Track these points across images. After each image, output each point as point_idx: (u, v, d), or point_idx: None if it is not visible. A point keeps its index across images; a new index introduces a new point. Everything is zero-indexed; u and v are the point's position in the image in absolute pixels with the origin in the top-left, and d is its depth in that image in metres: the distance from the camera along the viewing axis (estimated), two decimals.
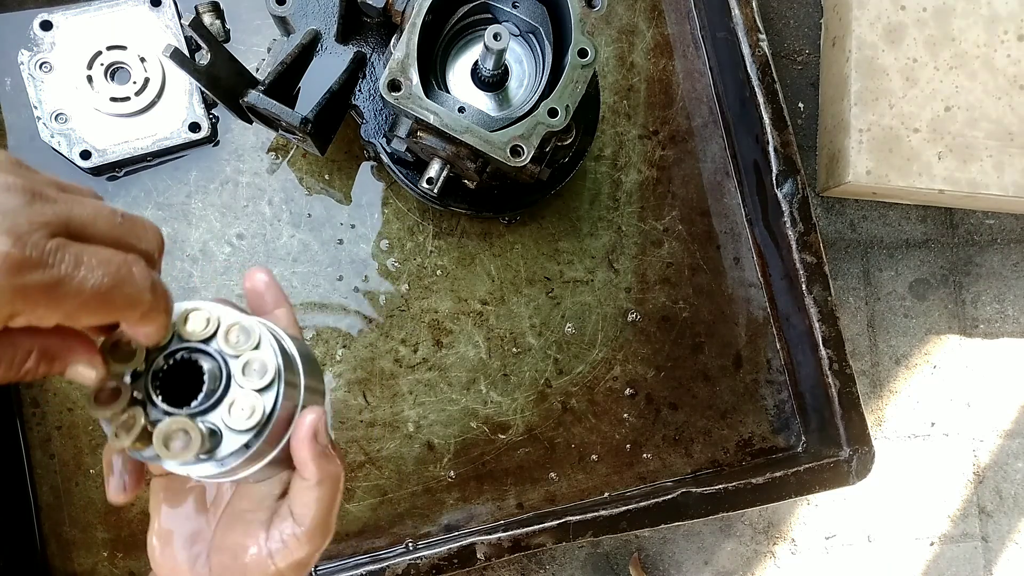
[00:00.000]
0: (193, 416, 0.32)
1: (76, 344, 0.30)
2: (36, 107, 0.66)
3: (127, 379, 0.31)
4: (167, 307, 0.30)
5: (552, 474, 0.72)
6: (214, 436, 0.31)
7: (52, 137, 0.66)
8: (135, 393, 0.31)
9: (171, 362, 0.32)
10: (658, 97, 0.77)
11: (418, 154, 0.63)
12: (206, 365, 0.32)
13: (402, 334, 0.72)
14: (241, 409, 0.32)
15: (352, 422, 0.70)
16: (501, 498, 0.71)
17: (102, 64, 0.67)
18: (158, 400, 0.32)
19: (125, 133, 0.68)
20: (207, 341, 0.33)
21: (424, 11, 0.55)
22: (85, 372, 0.30)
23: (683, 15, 0.78)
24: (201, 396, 0.32)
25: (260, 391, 0.32)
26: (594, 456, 0.73)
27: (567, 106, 0.56)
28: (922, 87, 0.74)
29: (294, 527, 0.34)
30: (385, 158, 0.66)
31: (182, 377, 0.32)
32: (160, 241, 0.31)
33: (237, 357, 0.32)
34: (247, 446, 0.32)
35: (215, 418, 0.32)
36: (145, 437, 0.31)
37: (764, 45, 0.71)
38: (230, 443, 0.32)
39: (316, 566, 0.67)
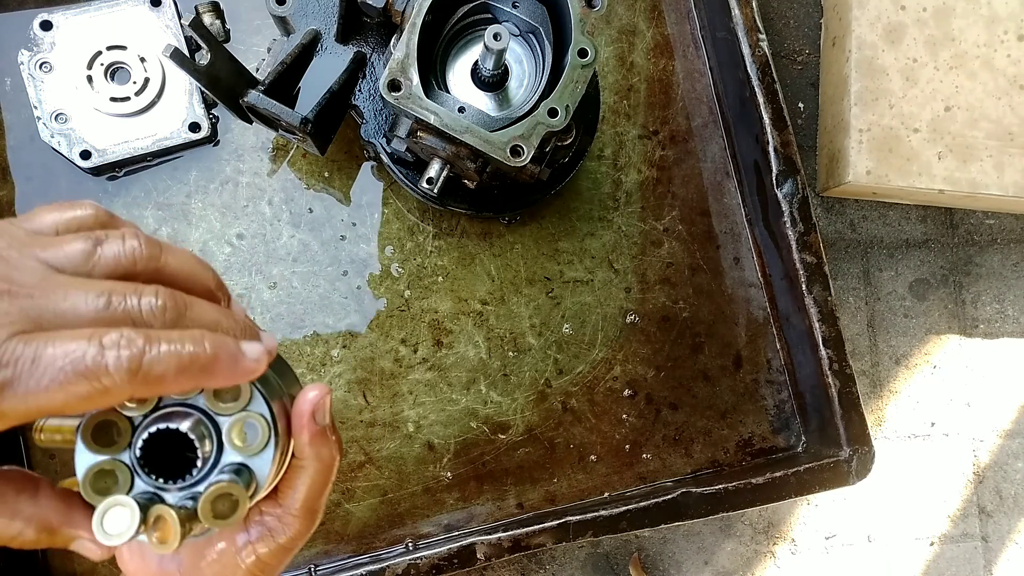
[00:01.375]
0: (194, 485, 0.29)
1: (80, 518, 0.28)
2: (36, 107, 0.66)
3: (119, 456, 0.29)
4: (153, 386, 0.25)
5: (552, 474, 0.72)
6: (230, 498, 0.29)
7: (52, 137, 0.66)
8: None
9: (147, 435, 0.29)
10: (658, 97, 0.77)
11: (418, 154, 0.63)
12: (186, 427, 0.29)
13: (402, 334, 0.72)
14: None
15: (352, 422, 0.70)
16: (501, 498, 0.71)
17: (102, 64, 0.67)
18: (146, 476, 0.28)
19: (125, 133, 0.68)
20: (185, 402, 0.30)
21: (424, 11, 0.55)
22: (91, 548, 0.29)
23: (683, 15, 0.78)
24: (199, 466, 0.29)
25: (256, 452, 0.30)
26: (594, 456, 0.73)
27: (567, 106, 0.56)
28: (922, 87, 0.74)
29: (279, 509, 0.32)
30: (385, 158, 0.66)
31: (160, 445, 0.29)
32: (168, 304, 0.26)
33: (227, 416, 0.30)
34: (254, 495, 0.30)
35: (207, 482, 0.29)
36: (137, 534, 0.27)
37: (764, 45, 0.71)
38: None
39: (316, 565, 0.67)
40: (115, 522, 0.27)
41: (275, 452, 0.30)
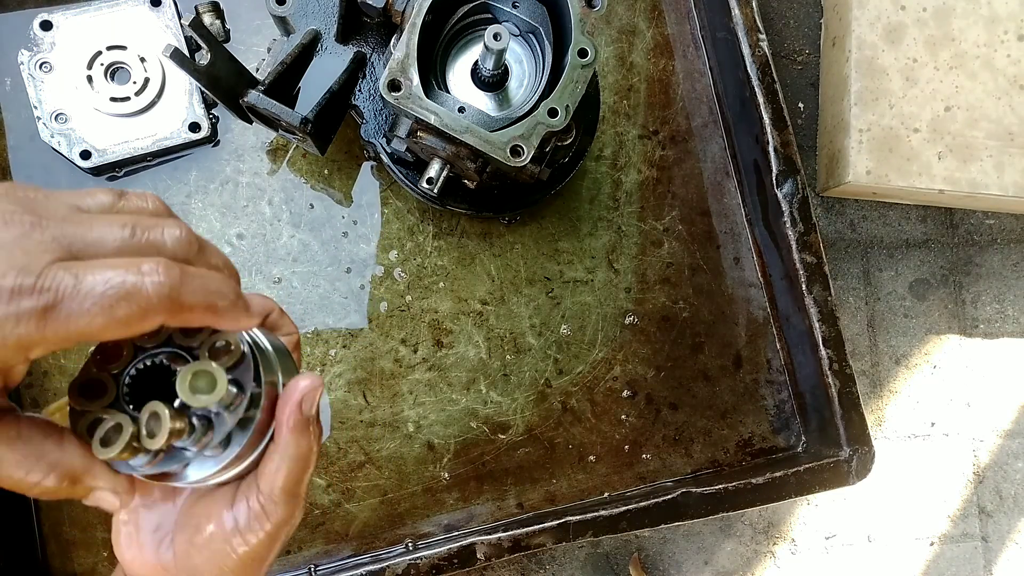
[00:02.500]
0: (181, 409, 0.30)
1: (100, 469, 0.30)
2: (36, 107, 0.66)
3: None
4: (215, 303, 0.28)
5: (552, 474, 0.72)
6: (208, 423, 0.30)
7: (52, 137, 0.66)
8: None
9: (137, 369, 0.31)
10: (658, 97, 0.77)
11: (418, 154, 0.63)
12: (166, 360, 0.31)
13: (402, 334, 0.72)
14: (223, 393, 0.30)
15: (352, 422, 0.70)
16: (501, 498, 0.71)
17: (102, 64, 0.67)
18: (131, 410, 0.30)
19: (125, 133, 0.68)
20: (167, 343, 0.31)
21: (424, 11, 0.55)
22: (109, 499, 0.30)
23: (683, 15, 0.78)
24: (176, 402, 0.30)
25: (234, 371, 0.31)
26: (594, 456, 0.73)
27: (567, 106, 0.56)
28: (922, 87, 0.74)
29: (260, 496, 0.33)
30: (385, 158, 0.66)
31: (153, 382, 0.31)
32: (187, 239, 0.29)
33: (200, 346, 0.31)
34: (244, 424, 0.31)
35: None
36: (130, 448, 0.29)
37: (764, 45, 0.71)
38: (223, 427, 0.31)
39: (316, 565, 0.67)
40: (110, 435, 0.29)
41: (248, 414, 0.31)
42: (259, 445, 0.33)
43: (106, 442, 0.29)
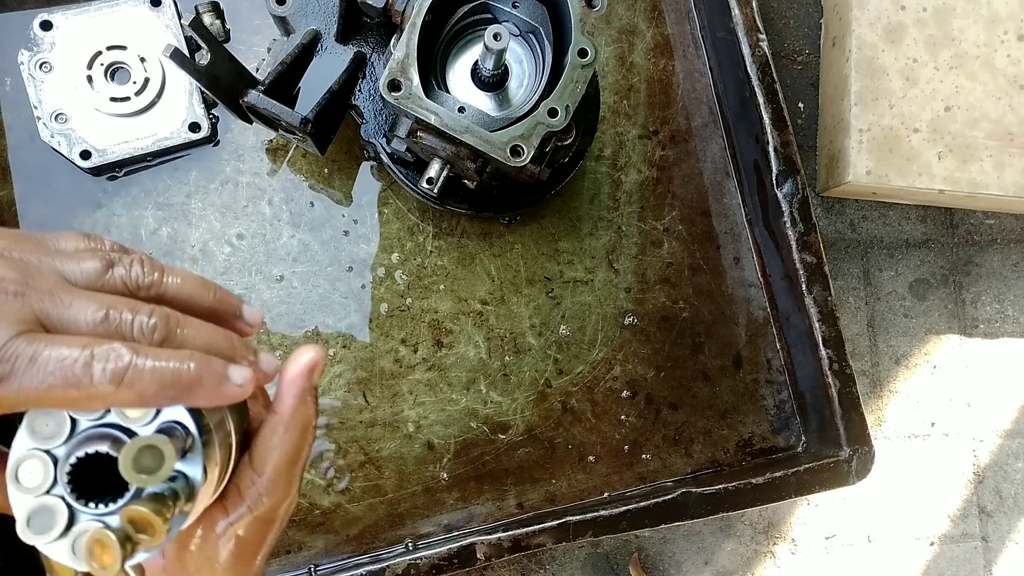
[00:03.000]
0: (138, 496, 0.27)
1: None
2: (36, 107, 0.66)
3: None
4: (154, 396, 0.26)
5: (552, 474, 0.72)
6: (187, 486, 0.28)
7: (52, 137, 0.66)
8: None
9: (74, 460, 0.27)
10: (658, 97, 0.77)
11: (418, 154, 0.63)
12: (106, 448, 0.27)
13: (402, 334, 0.72)
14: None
15: (352, 422, 0.70)
16: (501, 498, 0.71)
17: (102, 64, 0.67)
18: (78, 503, 0.27)
19: (125, 133, 0.68)
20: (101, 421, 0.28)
21: (424, 11, 0.55)
22: None
23: (683, 15, 0.78)
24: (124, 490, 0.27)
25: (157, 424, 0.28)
26: (594, 456, 0.73)
27: (567, 106, 0.56)
28: (922, 87, 0.74)
29: (253, 476, 0.31)
30: (385, 158, 0.66)
31: (92, 469, 0.28)
32: (158, 326, 0.28)
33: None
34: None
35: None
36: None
37: (764, 45, 0.71)
38: (194, 476, 0.28)
39: (316, 565, 0.67)
40: (42, 523, 0.28)
41: (210, 451, 0.29)
42: (226, 464, 0.31)
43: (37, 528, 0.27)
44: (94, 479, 0.28)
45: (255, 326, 0.34)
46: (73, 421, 0.28)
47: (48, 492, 0.28)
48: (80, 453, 0.27)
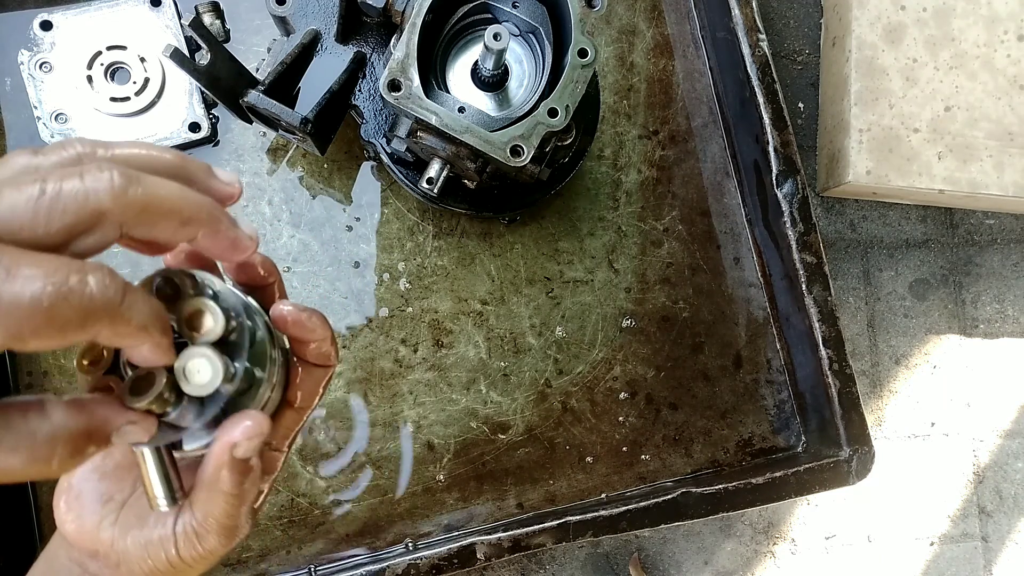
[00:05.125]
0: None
1: (104, 411, 0.26)
2: (36, 107, 0.66)
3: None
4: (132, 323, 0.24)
5: (552, 474, 0.72)
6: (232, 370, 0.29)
7: (52, 137, 0.66)
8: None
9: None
10: (658, 97, 0.77)
11: (418, 154, 0.63)
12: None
13: (402, 334, 0.72)
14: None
15: (352, 422, 0.70)
16: (501, 498, 0.71)
17: (102, 64, 0.67)
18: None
19: (125, 133, 0.68)
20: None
21: (424, 11, 0.55)
22: (136, 432, 0.27)
23: (683, 15, 0.78)
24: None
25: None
26: (594, 456, 0.73)
27: (567, 106, 0.56)
28: (922, 87, 0.74)
29: (193, 520, 0.30)
30: (385, 158, 0.66)
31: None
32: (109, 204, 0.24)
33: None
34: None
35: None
36: (160, 400, 0.27)
37: (764, 45, 0.71)
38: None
39: (316, 565, 0.67)
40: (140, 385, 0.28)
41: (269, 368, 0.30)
42: (271, 387, 0.32)
43: (136, 391, 0.27)
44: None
45: (236, 192, 0.30)
46: None
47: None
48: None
